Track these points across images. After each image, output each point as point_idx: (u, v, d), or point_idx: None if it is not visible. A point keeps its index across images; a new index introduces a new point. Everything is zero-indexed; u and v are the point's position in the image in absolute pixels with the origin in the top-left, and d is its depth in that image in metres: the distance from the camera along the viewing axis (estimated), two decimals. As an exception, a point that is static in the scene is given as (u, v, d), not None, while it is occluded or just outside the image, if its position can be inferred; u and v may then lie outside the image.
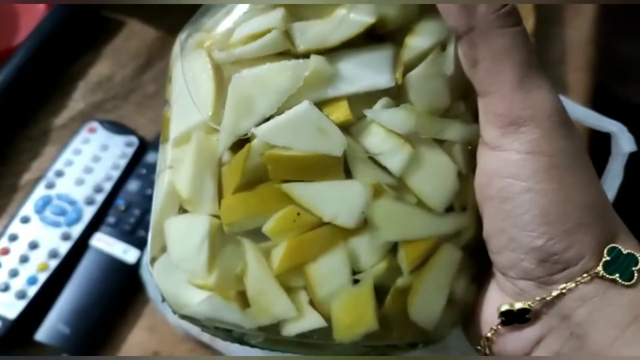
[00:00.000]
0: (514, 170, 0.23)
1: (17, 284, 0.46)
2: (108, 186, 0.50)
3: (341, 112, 0.23)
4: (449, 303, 0.25)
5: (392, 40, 0.23)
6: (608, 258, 0.23)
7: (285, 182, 0.23)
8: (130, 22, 0.60)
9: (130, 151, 0.52)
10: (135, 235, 0.48)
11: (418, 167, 0.23)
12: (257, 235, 0.23)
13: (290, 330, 0.23)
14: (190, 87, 0.25)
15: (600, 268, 0.23)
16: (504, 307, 0.24)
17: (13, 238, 0.48)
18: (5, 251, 0.47)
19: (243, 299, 0.23)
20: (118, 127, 0.53)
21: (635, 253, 0.23)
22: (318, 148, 0.22)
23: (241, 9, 0.24)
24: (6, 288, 0.46)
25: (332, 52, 0.23)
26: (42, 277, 0.46)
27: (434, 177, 0.24)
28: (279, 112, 0.23)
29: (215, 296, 0.24)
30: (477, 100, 0.24)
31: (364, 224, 0.23)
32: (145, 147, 0.52)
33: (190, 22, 0.27)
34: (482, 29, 0.22)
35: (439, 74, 0.23)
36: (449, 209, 0.24)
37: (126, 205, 0.49)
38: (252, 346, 0.25)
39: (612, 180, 0.30)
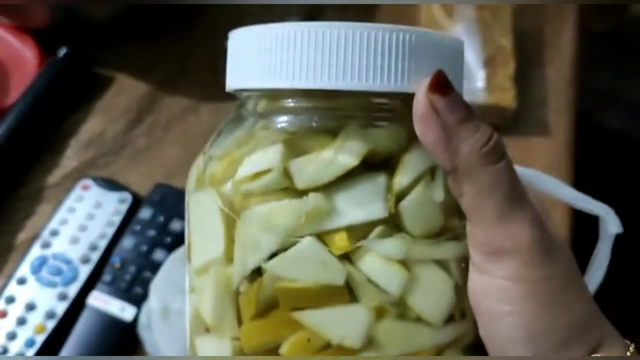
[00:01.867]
0: (498, 294, 0.24)
1: (15, 346, 0.46)
2: (103, 244, 0.51)
3: (340, 243, 0.24)
4: None
5: (384, 167, 0.25)
6: None
7: (295, 309, 0.25)
8: (120, 78, 0.61)
9: (123, 208, 0.53)
10: (132, 293, 0.49)
11: (416, 287, 0.25)
12: (274, 354, 0.25)
13: None
14: (203, 222, 0.27)
15: None
16: None
17: (10, 300, 0.48)
18: (3, 314, 0.47)
19: None
20: (111, 184, 0.54)
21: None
22: (321, 279, 0.24)
23: (244, 137, 0.26)
24: (4, 352, 0.46)
25: (329, 187, 0.25)
26: (40, 339, 0.47)
27: (431, 293, 0.25)
28: (284, 246, 0.24)
29: None
30: (466, 223, 0.25)
31: (370, 343, 0.25)
32: (139, 203, 0.53)
33: (203, 151, 0.29)
34: (464, 168, 0.24)
35: (429, 201, 0.25)
36: (449, 319, 0.26)
37: (121, 263, 0.50)
38: None
39: (601, 261, 0.31)
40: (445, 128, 0.23)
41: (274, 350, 0.25)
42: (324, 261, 0.24)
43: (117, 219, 0.52)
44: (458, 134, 0.23)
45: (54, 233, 0.51)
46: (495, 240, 0.24)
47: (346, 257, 0.25)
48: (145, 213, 0.52)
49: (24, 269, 0.49)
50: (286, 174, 0.25)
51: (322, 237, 0.24)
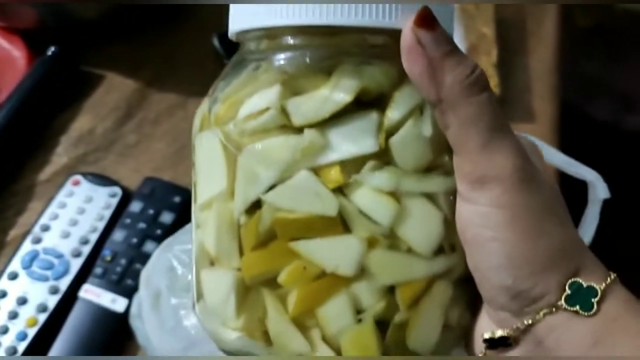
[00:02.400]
0: (482, 221, 0.25)
1: (7, 340, 0.46)
2: (94, 237, 0.51)
3: (334, 177, 0.26)
4: (445, 330, 0.28)
5: (376, 104, 0.27)
6: (569, 292, 0.25)
7: (292, 239, 0.27)
8: (109, 76, 0.61)
9: (114, 202, 0.53)
10: (123, 285, 0.49)
11: (406, 219, 0.26)
12: (273, 284, 0.27)
13: None
14: (207, 161, 0.29)
15: (562, 301, 0.25)
16: (486, 335, 0.27)
17: (2, 295, 0.48)
18: (-5, 308, 0.48)
19: (267, 338, 0.28)
20: (101, 179, 0.54)
21: (595, 285, 0.26)
22: (316, 210, 0.26)
23: (246, 80, 0.28)
24: (-4, 345, 0.46)
25: (324, 123, 0.26)
26: (32, 332, 0.47)
27: (421, 225, 0.27)
28: (282, 179, 0.26)
29: (244, 336, 0.28)
30: (453, 156, 0.26)
31: (362, 272, 0.26)
32: (129, 197, 0.54)
33: (208, 95, 0.30)
34: (449, 100, 0.25)
35: (418, 136, 0.26)
36: (440, 251, 0.27)
37: (112, 256, 0.50)
38: None
39: (589, 224, 0.33)
40: (430, 61, 0.24)
41: (273, 279, 0.27)
42: (318, 193, 0.26)
43: (108, 213, 0.52)
44: (442, 66, 0.24)
45: (45, 228, 0.51)
46: (478, 169, 0.25)
47: (340, 191, 0.26)
48: (135, 206, 0.53)
49: (15, 264, 0.50)
50: (283, 112, 0.26)
51: (316, 171, 0.26)
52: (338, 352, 0.27)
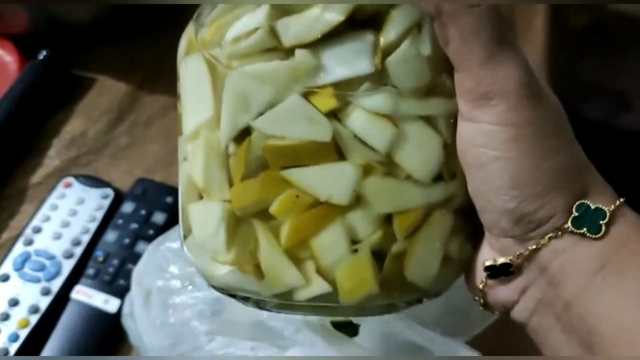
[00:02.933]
0: (485, 140, 0.24)
1: (-1, 342, 0.46)
2: (86, 239, 0.51)
3: (327, 100, 0.25)
4: (445, 262, 0.27)
5: (372, 25, 0.25)
6: (576, 214, 0.24)
7: (284, 168, 0.25)
8: (101, 79, 0.62)
9: (106, 203, 0.53)
10: (115, 285, 0.49)
11: (403, 144, 0.25)
12: (265, 215, 0.26)
13: (301, 295, 0.27)
14: (193, 86, 0.27)
15: (569, 224, 0.24)
16: (488, 263, 0.26)
17: (-7, 297, 0.48)
18: (-14, 310, 0.47)
19: (259, 271, 0.27)
20: (93, 181, 0.54)
21: (603, 207, 0.25)
22: (308, 135, 0.25)
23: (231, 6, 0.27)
24: (-12, 347, 0.46)
25: (316, 44, 0.25)
26: (24, 334, 0.47)
27: (420, 151, 0.25)
28: (272, 104, 0.25)
29: (235, 270, 0.27)
30: (454, 74, 0.25)
31: (358, 200, 0.25)
32: (121, 198, 0.54)
33: (192, 19, 0.29)
34: (449, 11, 0.24)
35: (417, 55, 0.25)
36: (438, 178, 0.26)
37: (105, 256, 0.50)
38: (270, 310, 0.29)
39: None
40: None
41: (264, 209, 0.26)
42: (310, 117, 0.25)
43: (100, 214, 0.52)
44: None
45: (37, 230, 0.51)
46: (481, 85, 0.24)
47: (334, 115, 0.25)
48: (127, 207, 0.53)
49: (6, 266, 0.49)
50: (273, 32, 0.25)
51: (308, 95, 0.25)
52: (333, 284, 0.26)
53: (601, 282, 0.24)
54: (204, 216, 0.28)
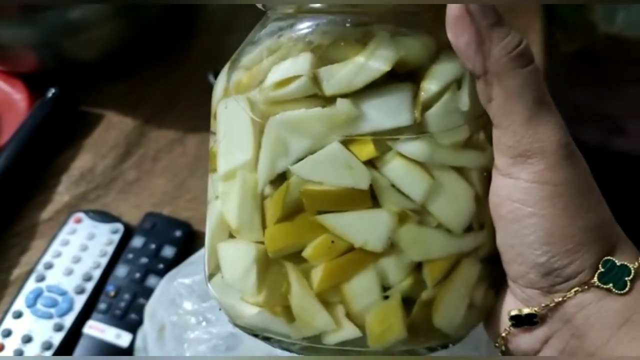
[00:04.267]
0: (521, 196, 0.25)
1: (13, 378, 0.47)
2: (97, 274, 0.52)
3: (366, 149, 0.25)
4: (469, 308, 0.28)
5: (412, 78, 0.26)
6: (602, 270, 0.26)
7: (320, 213, 0.26)
8: (108, 115, 0.63)
9: (116, 238, 0.54)
10: (127, 319, 0.50)
11: (438, 194, 0.26)
12: (297, 258, 0.26)
13: (330, 339, 0.27)
14: (232, 128, 0.28)
15: (595, 279, 0.25)
16: (513, 312, 0.27)
17: (7, 334, 0.49)
18: (1, 347, 0.48)
19: (288, 314, 0.27)
20: (103, 216, 0.55)
21: (628, 264, 0.26)
22: (347, 182, 0.26)
23: (272, 48, 0.27)
24: (3, 384, 0.47)
25: (356, 94, 0.26)
26: (38, 370, 0.47)
27: (453, 202, 0.26)
28: (312, 151, 0.26)
29: (264, 312, 0.27)
30: (492, 130, 0.26)
31: (391, 247, 0.26)
32: (131, 232, 0.55)
33: (230, 61, 0.29)
34: (496, 71, 0.25)
35: (455, 110, 0.26)
36: (468, 228, 0.27)
37: (116, 291, 0.51)
38: (296, 353, 0.29)
39: None
40: (478, 31, 0.24)
41: (297, 252, 0.26)
42: (349, 165, 0.25)
43: (110, 249, 0.53)
44: (490, 37, 0.24)
45: (48, 266, 0.52)
46: (522, 143, 0.25)
47: (371, 164, 0.26)
48: (137, 242, 0.53)
49: (19, 303, 0.50)
50: (315, 80, 0.26)
51: (348, 143, 0.25)
52: (362, 328, 0.26)
53: (625, 335, 0.25)
54: (235, 256, 0.28)
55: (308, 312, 0.27)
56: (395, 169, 0.26)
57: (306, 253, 0.26)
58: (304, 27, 0.27)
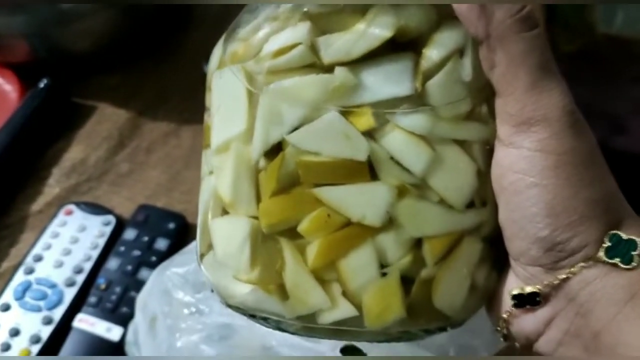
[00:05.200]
0: (524, 166, 0.24)
1: (0, 373, 0.45)
2: (88, 266, 0.50)
3: (365, 119, 0.24)
4: (471, 290, 0.27)
5: (412, 48, 0.25)
6: (609, 244, 0.24)
7: (316, 185, 0.25)
8: (101, 106, 0.62)
9: (108, 230, 0.52)
10: (118, 313, 0.48)
11: (439, 168, 0.25)
12: (292, 233, 0.25)
13: (326, 319, 0.26)
14: (226, 99, 0.27)
15: (601, 254, 0.24)
16: (515, 291, 0.26)
17: (-6, 327, 0.47)
18: (-13, 341, 0.47)
19: (282, 292, 0.26)
20: (94, 208, 0.54)
21: (635, 238, 0.25)
22: (344, 153, 0.24)
23: (270, 18, 0.26)
24: (-11, 378, 0.45)
25: (355, 63, 0.25)
26: (25, 364, 0.46)
27: (455, 176, 0.25)
28: (308, 120, 0.25)
29: (257, 289, 0.26)
30: (495, 100, 0.25)
31: (390, 222, 0.25)
32: (123, 225, 0.53)
33: (226, 32, 0.29)
34: (499, 35, 0.24)
35: (457, 80, 0.25)
36: (470, 205, 0.26)
37: (107, 284, 0.49)
38: (291, 333, 0.28)
39: None
40: None
41: (292, 228, 0.25)
42: (347, 135, 0.24)
43: (102, 241, 0.52)
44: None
45: (38, 258, 0.51)
46: (525, 110, 0.24)
47: (370, 135, 0.25)
48: (129, 234, 0.52)
49: (7, 296, 0.49)
50: (313, 49, 0.25)
51: (346, 113, 0.24)
52: (359, 307, 0.25)
53: (631, 311, 0.24)
54: (229, 232, 0.27)
55: (302, 290, 0.25)
56: (395, 141, 0.24)
57: (301, 227, 0.25)
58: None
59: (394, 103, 0.24)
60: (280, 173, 0.25)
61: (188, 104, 0.61)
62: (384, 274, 0.25)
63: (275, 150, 0.25)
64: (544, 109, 0.24)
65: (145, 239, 0.52)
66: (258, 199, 0.26)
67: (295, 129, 0.25)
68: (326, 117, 0.24)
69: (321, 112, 0.24)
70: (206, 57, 0.68)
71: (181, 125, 0.60)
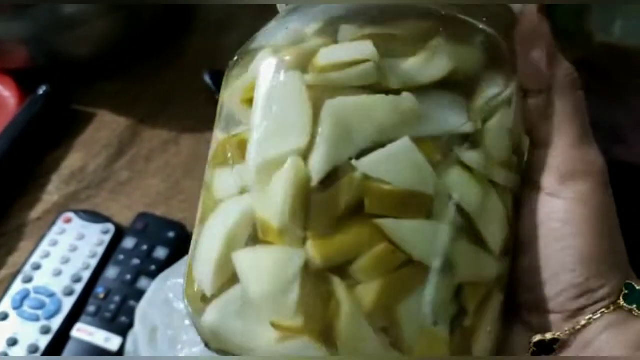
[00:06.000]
0: (564, 215, 0.26)
1: (-3, 383, 0.45)
2: (86, 275, 0.50)
3: (432, 150, 0.23)
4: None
5: (462, 88, 0.25)
6: (627, 292, 0.26)
7: (374, 217, 0.22)
8: (100, 114, 0.61)
9: (106, 238, 0.52)
10: (117, 322, 0.48)
11: (485, 210, 0.24)
12: (342, 271, 0.22)
13: None
14: (281, 110, 0.24)
15: (621, 300, 0.26)
16: (536, 338, 0.26)
17: (-9, 336, 0.47)
18: (-16, 350, 0.46)
19: (329, 340, 0.22)
20: (93, 216, 0.54)
21: None
22: (414, 185, 0.23)
23: (313, 30, 0.25)
24: (-14, 389, 0.45)
25: (418, 92, 0.24)
26: (23, 374, 0.45)
27: (495, 220, 0.25)
28: (376, 143, 0.23)
29: (300, 337, 0.22)
30: (535, 151, 0.27)
31: (444, 264, 0.23)
32: (122, 233, 0.53)
33: (244, 46, 0.27)
34: (562, 89, 0.26)
35: (505, 127, 0.25)
36: (503, 252, 0.25)
37: (106, 293, 0.49)
38: None
39: None
40: (549, 48, 0.26)
41: (344, 265, 0.22)
42: (418, 166, 0.23)
43: (101, 250, 0.52)
44: (555, 57, 0.26)
45: (36, 267, 0.50)
46: (572, 162, 0.26)
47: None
48: (128, 242, 0.52)
49: (4, 305, 0.48)
50: (379, 68, 0.23)
51: (418, 142, 0.23)
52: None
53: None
54: (271, 266, 0.23)
55: (359, 339, 0.22)
56: (455, 176, 0.23)
57: (360, 264, 0.22)
58: (355, 13, 0.25)
59: (455, 139, 0.24)
60: (343, 199, 0.22)
61: (188, 112, 0.61)
62: (435, 322, 0.23)
63: (335, 172, 0.23)
64: (587, 164, 0.26)
65: (145, 247, 0.51)
66: (307, 227, 0.23)
67: (363, 151, 0.22)
68: (400, 143, 0.23)
69: (390, 137, 0.23)
70: (208, 64, 0.68)
71: (181, 133, 0.60)
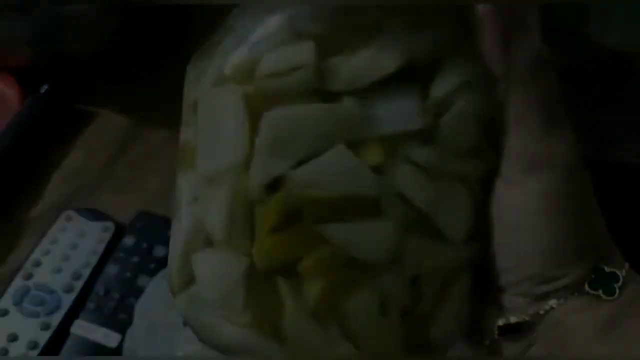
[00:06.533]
0: (527, 206, 0.25)
1: (-3, 378, 0.45)
2: (86, 272, 0.51)
3: (374, 154, 0.23)
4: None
5: (420, 77, 0.24)
6: (593, 277, 0.26)
7: (318, 221, 0.23)
8: (102, 113, 0.62)
9: (107, 236, 0.53)
10: (116, 319, 0.48)
11: (442, 203, 0.24)
12: (288, 272, 0.24)
13: None
14: (221, 122, 0.25)
15: (586, 286, 0.26)
16: (501, 322, 0.27)
17: (-9, 332, 0.47)
18: (-16, 346, 0.47)
19: (279, 333, 0.24)
20: (94, 214, 0.54)
21: (616, 271, 0.26)
22: (353, 190, 0.23)
23: (260, 34, 0.25)
24: (-14, 383, 0.45)
25: (363, 93, 0.23)
26: (23, 370, 0.46)
27: (456, 211, 0.25)
28: (313, 152, 0.23)
29: (251, 332, 0.24)
30: (503, 138, 0.25)
31: (394, 260, 0.24)
32: (122, 231, 0.53)
33: (201, 50, 0.27)
34: (520, 72, 0.24)
35: (465, 116, 0.24)
36: (467, 239, 0.26)
37: (105, 290, 0.50)
38: None
39: None
40: (505, 28, 0.24)
41: (289, 266, 0.24)
42: (356, 171, 0.23)
43: (101, 248, 0.52)
44: (516, 35, 0.24)
45: (37, 264, 0.51)
46: (536, 152, 0.24)
47: (376, 169, 0.24)
48: (128, 240, 0.52)
49: (5, 301, 0.49)
50: (318, 73, 0.23)
51: (355, 147, 0.23)
52: (357, 347, 0.24)
53: (609, 337, 0.25)
54: (219, 270, 0.25)
55: (304, 333, 0.24)
56: (403, 176, 0.24)
57: (303, 266, 0.24)
58: (302, 12, 0.24)
59: (404, 137, 0.24)
60: (282, 208, 0.23)
61: (188, 111, 0.61)
62: (384, 313, 0.24)
63: (275, 181, 0.24)
64: (554, 154, 0.25)
65: (144, 245, 0.52)
66: (251, 235, 0.24)
67: (301, 161, 0.23)
68: (334, 151, 0.23)
69: (328, 144, 0.23)
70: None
71: (181, 133, 0.60)
